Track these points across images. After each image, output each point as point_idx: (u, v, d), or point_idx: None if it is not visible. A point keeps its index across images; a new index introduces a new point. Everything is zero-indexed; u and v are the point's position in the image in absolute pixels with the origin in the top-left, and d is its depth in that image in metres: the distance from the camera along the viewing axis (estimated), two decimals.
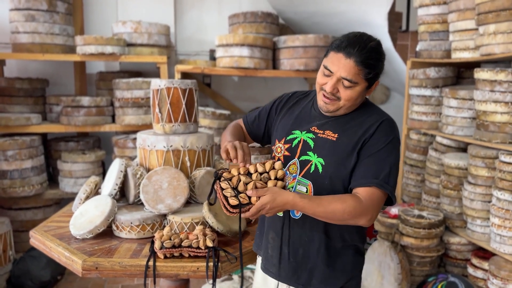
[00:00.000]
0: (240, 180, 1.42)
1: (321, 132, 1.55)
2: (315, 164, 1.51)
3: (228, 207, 1.39)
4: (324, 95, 1.50)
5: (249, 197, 1.40)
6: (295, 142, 1.58)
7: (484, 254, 2.97)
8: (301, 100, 1.70)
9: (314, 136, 1.55)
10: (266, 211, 1.39)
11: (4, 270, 3.37)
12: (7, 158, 3.47)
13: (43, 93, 3.98)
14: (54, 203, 3.90)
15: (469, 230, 2.99)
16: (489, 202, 2.81)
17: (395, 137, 1.50)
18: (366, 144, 1.47)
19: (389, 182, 1.45)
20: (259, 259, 1.78)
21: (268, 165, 1.46)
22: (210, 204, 1.58)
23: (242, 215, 1.40)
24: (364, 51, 1.41)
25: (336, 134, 1.52)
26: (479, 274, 2.94)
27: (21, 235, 3.67)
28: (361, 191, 1.44)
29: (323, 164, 1.50)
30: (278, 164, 1.46)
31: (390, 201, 1.50)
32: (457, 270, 3.18)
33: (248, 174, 1.45)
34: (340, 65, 1.43)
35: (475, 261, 2.97)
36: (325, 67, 1.47)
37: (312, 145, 1.54)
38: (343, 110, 1.52)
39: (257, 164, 1.45)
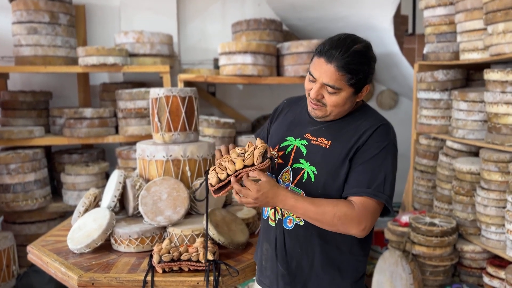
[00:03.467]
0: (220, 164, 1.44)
1: (315, 139, 1.49)
2: (308, 172, 1.45)
3: (210, 188, 1.42)
4: (311, 101, 1.46)
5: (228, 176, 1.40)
6: (289, 149, 1.53)
7: (500, 262, 2.86)
8: (295, 105, 1.65)
9: (307, 143, 1.49)
10: (256, 198, 1.35)
11: (7, 285, 3.32)
12: (10, 171, 3.43)
13: (46, 105, 3.95)
14: (59, 216, 3.85)
15: (483, 238, 2.88)
16: (504, 207, 2.70)
17: (390, 142, 1.42)
18: (359, 151, 1.40)
19: (384, 191, 1.37)
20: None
21: (250, 148, 1.44)
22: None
23: (223, 191, 1.40)
24: (346, 55, 1.35)
25: (330, 142, 1.45)
26: (496, 283, 2.81)
27: (25, 249, 3.59)
28: (355, 200, 1.37)
29: (315, 173, 1.44)
30: (258, 150, 1.41)
31: (387, 211, 1.42)
32: (472, 280, 3.06)
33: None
34: (321, 71, 1.38)
35: (490, 270, 2.86)
36: (310, 73, 1.43)
37: (304, 152, 1.48)
38: (333, 116, 1.46)
39: (236, 148, 1.46)
